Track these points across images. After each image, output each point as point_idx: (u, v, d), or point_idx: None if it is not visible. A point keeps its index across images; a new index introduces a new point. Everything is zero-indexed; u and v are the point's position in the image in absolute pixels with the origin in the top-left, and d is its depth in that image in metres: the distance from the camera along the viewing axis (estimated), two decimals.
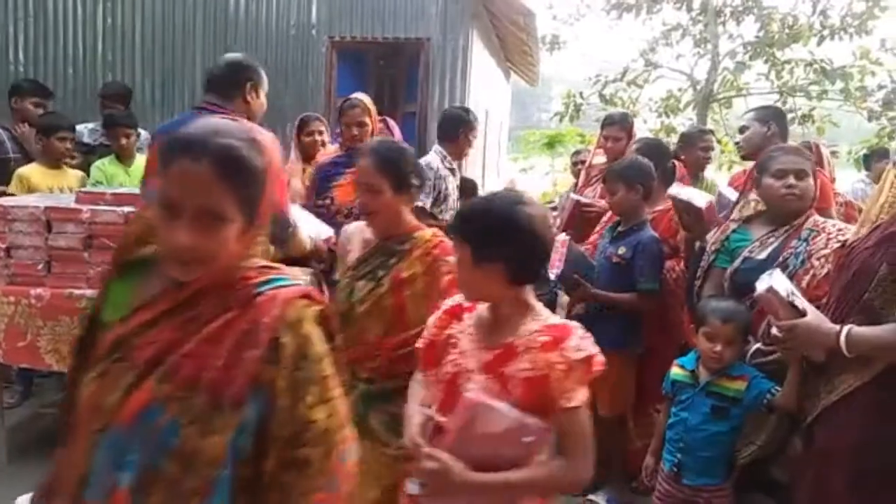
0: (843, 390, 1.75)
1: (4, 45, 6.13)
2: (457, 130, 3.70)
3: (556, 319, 1.54)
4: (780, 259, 2.29)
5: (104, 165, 4.11)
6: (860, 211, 3.04)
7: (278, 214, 2.26)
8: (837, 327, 1.74)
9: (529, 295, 1.55)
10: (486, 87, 7.27)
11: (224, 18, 5.98)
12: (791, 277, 2.17)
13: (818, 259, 2.20)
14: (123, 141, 4.06)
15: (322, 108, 5.73)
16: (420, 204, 3.50)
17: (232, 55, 2.62)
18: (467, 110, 3.80)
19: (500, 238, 1.44)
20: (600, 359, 1.44)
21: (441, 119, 3.77)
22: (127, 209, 3.02)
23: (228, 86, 2.46)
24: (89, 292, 3.05)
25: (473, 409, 1.39)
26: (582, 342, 1.43)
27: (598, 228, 3.30)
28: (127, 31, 6.09)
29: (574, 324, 1.49)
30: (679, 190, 2.85)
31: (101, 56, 6.14)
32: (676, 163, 3.45)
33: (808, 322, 1.82)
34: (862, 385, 1.72)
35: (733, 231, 2.50)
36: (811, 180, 2.31)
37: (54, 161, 4.04)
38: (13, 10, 6.11)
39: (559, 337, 1.43)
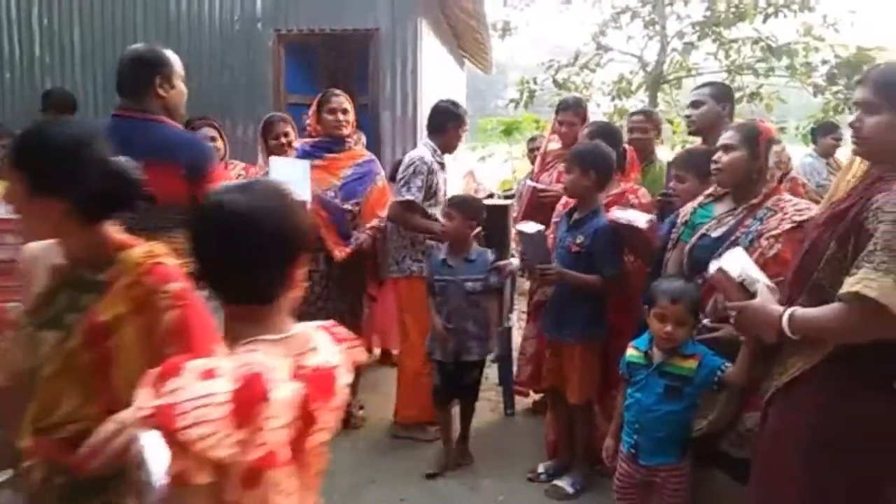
0: (793, 372, 1.75)
1: None
2: (445, 124, 3.68)
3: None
4: (732, 238, 2.32)
5: None
6: (804, 186, 3.10)
7: None
8: (782, 309, 1.74)
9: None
10: (439, 76, 7.22)
11: (165, 15, 5.81)
12: None
13: (767, 239, 2.23)
14: None
15: (271, 103, 5.63)
16: (411, 198, 3.48)
17: (134, 50, 2.47)
18: (456, 104, 3.78)
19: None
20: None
21: (430, 113, 3.75)
22: None
23: (136, 86, 2.37)
24: None
25: None
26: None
27: (553, 216, 3.32)
28: (64, 32, 5.88)
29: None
30: (620, 213, 2.87)
31: (39, 59, 5.92)
32: (627, 147, 3.47)
33: (756, 304, 1.83)
34: (812, 367, 1.71)
35: (700, 206, 2.53)
36: (737, 153, 2.32)
37: None
38: None
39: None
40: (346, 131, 3.67)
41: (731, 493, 2.21)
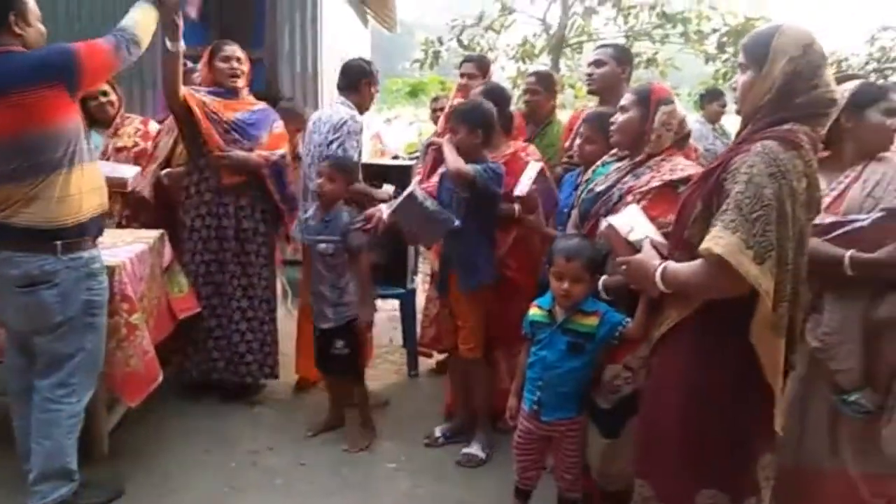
0: (669, 323, 1.84)
1: None
2: (359, 81, 3.54)
3: None
4: (609, 193, 2.38)
5: None
6: (696, 151, 3.19)
7: None
8: (658, 263, 1.81)
9: None
10: (341, 32, 6.97)
11: None
12: (609, 211, 2.26)
13: (634, 195, 2.30)
14: None
15: (158, 54, 5.25)
16: (356, 159, 3.35)
17: None
18: (369, 62, 3.65)
19: None
20: None
21: (342, 70, 3.60)
22: None
23: None
24: None
25: None
26: None
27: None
28: None
29: None
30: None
31: None
32: (515, 112, 3.46)
33: (639, 259, 1.90)
34: (683, 320, 1.80)
35: (602, 163, 2.58)
36: (630, 114, 2.38)
37: None
38: None
39: None
40: (240, 82, 3.50)
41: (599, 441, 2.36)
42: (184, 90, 3.30)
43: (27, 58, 2.29)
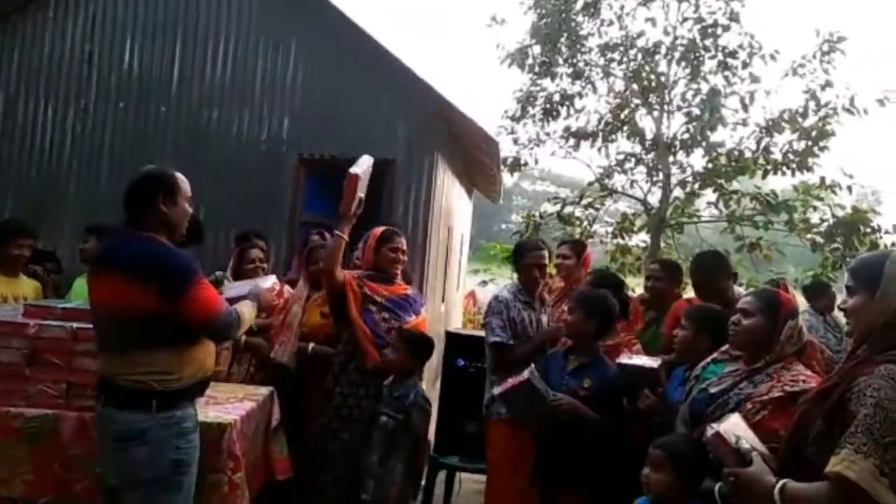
0: None
1: None
2: (516, 262, 3.83)
3: None
4: (725, 397, 2.34)
5: None
6: (822, 352, 3.13)
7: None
8: (775, 480, 1.74)
9: None
10: (450, 205, 7.46)
11: (196, 132, 6.09)
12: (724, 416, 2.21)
13: (753, 403, 2.24)
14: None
15: (286, 219, 5.79)
16: (496, 339, 3.56)
17: (145, 169, 2.62)
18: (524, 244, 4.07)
19: None
20: None
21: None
22: (75, 325, 2.95)
23: (140, 203, 2.48)
24: (28, 412, 2.91)
25: None
26: None
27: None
28: (96, 140, 6.14)
29: None
30: (628, 360, 2.89)
31: (67, 162, 6.14)
32: (631, 296, 3.55)
33: (750, 472, 1.83)
34: None
35: (713, 361, 2.56)
36: (756, 320, 2.36)
37: (12, 268, 3.94)
38: None
39: None
40: (398, 272, 3.76)
41: None
42: (343, 273, 3.53)
43: (154, 255, 2.42)
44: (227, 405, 3.14)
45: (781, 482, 1.72)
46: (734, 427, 2.06)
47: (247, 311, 2.73)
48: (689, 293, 3.84)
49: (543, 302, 3.77)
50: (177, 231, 2.59)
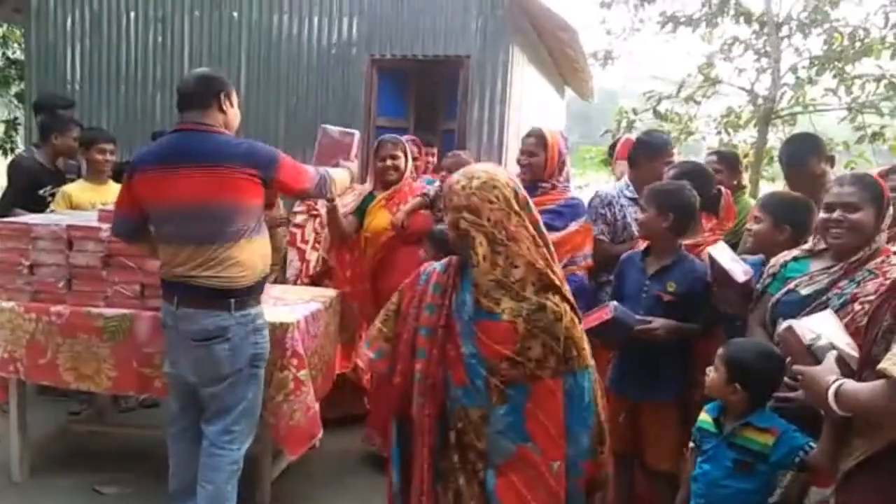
0: (858, 456, 1.57)
1: (63, 63, 6.35)
2: (637, 157, 3.55)
3: None
4: (823, 298, 2.09)
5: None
6: None
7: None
8: (832, 380, 1.57)
9: None
10: (534, 103, 7.11)
11: (269, 39, 6.05)
12: None
13: (862, 304, 1.98)
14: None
15: (362, 125, 5.70)
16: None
17: (199, 71, 2.69)
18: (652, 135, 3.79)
19: None
20: None
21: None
22: None
23: (202, 99, 2.52)
24: (107, 311, 3.06)
25: None
26: None
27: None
28: (176, 51, 6.23)
29: None
30: (719, 254, 2.57)
31: (152, 74, 6.29)
32: (723, 190, 3.18)
33: (814, 372, 1.66)
34: (877, 454, 1.53)
35: (794, 258, 2.30)
36: (864, 214, 2.06)
37: (97, 175, 4.10)
38: (70, 29, 6.32)
39: None
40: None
41: None
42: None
43: (237, 144, 2.55)
44: (293, 306, 3.18)
45: (838, 382, 1.56)
46: (820, 323, 1.85)
47: (337, 174, 2.91)
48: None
49: None
50: (232, 132, 2.64)
